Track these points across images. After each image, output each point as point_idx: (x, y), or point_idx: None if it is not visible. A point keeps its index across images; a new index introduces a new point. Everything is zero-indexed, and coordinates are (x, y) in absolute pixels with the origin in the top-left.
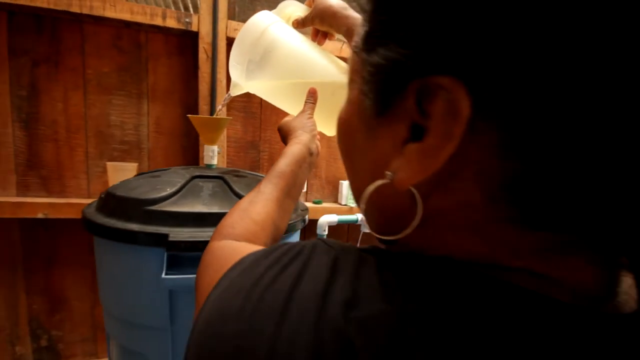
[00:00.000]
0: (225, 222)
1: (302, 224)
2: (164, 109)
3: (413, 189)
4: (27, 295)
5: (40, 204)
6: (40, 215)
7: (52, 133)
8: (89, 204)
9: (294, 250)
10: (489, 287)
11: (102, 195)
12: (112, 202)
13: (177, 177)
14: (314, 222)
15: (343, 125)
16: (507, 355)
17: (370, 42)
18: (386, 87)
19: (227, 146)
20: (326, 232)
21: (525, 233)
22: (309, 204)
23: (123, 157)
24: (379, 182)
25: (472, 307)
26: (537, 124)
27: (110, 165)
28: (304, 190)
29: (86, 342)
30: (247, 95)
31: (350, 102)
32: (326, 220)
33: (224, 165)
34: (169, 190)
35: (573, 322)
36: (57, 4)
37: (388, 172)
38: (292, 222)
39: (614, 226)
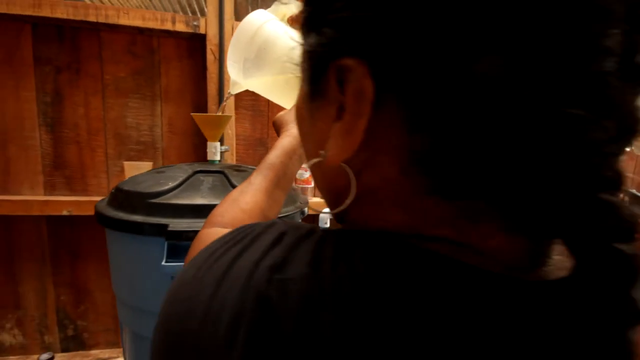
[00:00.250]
0: (216, 211)
1: (301, 215)
2: (177, 110)
3: (345, 167)
4: (55, 287)
5: (65, 201)
6: (65, 213)
7: (74, 136)
8: (102, 199)
9: (251, 228)
10: (408, 255)
11: (113, 191)
12: (120, 196)
13: (181, 172)
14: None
15: (296, 113)
16: (417, 319)
17: (302, 32)
18: (313, 72)
19: (237, 144)
20: (328, 225)
21: (440, 203)
22: (317, 200)
23: (139, 156)
24: (314, 161)
25: (388, 273)
26: (434, 101)
27: (127, 164)
28: (312, 185)
29: (108, 332)
30: (255, 94)
31: (300, 90)
32: (327, 214)
33: (233, 163)
34: (171, 185)
35: (487, 288)
36: (76, 14)
37: (321, 151)
38: (290, 213)
39: (521, 193)
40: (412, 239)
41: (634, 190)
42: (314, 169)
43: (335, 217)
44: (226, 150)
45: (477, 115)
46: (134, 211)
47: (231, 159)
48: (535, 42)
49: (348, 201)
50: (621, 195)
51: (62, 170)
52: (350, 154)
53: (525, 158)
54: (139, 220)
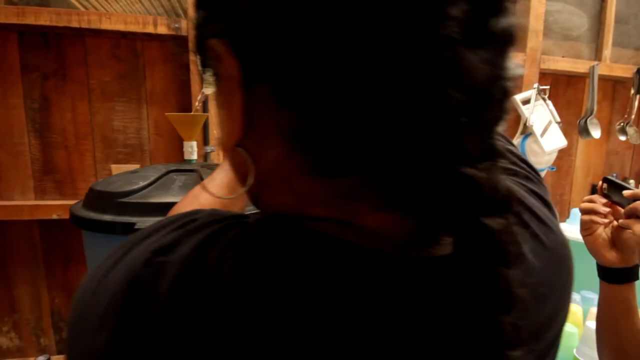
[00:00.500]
0: (176, 207)
1: None
2: (162, 112)
3: (242, 151)
4: (49, 290)
5: (54, 205)
6: (54, 216)
7: (63, 140)
8: (78, 201)
9: (174, 217)
10: (290, 237)
11: (87, 192)
12: (92, 197)
13: (154, 172)
14: None
15: None
16: (288, 299)
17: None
18: (200, 56)
19: None
20: None
21: (321, 182)
22: None
23: (127, 159)
24: (210, 148)
25: (267, 256)
26: (296, 79)
27: (114, 167)
28: None
29: None
30: None
31: None
32: None
33: (220, 163)
34: (141, 184)
35: (362, 264)
36: (59, 20)
37: (218, 136)
38: None
39: (390, 169)
40: (300, 220)
41: (612, 177)
42: (225, 156)
43: (252, 204)
44: (212, 151)
45: (334, 92)
46: (104, 211)
47: (217, 159)
48: (377, 15)
49: (246, 187)
50: (490, 168)
51: (52, 175)
52: (237, 137)
53: (383, 132)
54: (108, 219)
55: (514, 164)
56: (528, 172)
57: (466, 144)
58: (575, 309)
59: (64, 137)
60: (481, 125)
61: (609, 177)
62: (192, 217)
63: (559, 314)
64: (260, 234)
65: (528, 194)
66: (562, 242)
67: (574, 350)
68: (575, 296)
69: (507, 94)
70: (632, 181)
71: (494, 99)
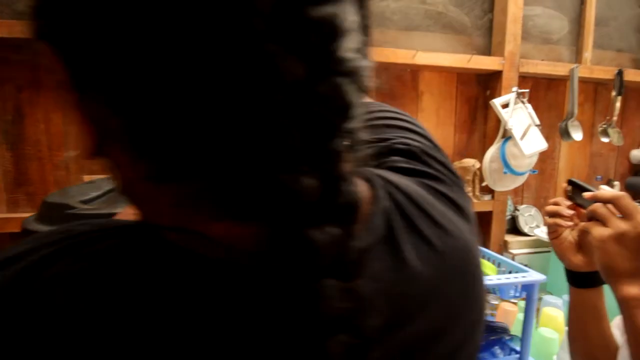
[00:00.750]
0: (117, 216)
1: None
2: None
3: (102, 160)
4: None
5: (25, 218)
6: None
7: (36, 152)
8: (32, 215)
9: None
10: (131, 249)
11: (40, 204)
12: (42, 209)
13: (110, 182)
14: None
15: None
16: (111, 306)
17: None
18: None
19: None
20: None
21: (160, 189)
22: None
23: (101, 170)
24: (70, 154)
25: (106, 270)
26: (117, 85)
27: (87, 178)
28: None
29: None
30: None
31: None
32: None
33: None
34: (93, 195)
35: (198, 274)
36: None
37: (79, 146)
38: None
39: (217, 175)
40: (154, 229)
41: (576, 180)
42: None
43: None
44: None
45: (149, 98)
46: (51, 223)
47: None
48: (183, 15)
49: (116, 194)
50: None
51: (24, 187)
52: (90, 146)
53: (198, 137)
54: None
55: (425, 164)
56: (442, 174)
57: (289, 147)
58: (556, 314)
59: (37, 149)
60: (312, 126)
61: (573, 179)
62: (71, 228)
63: (455, 324)
64: (111, 246)
65: (433, 196)
66: (462, 247)
67: (554, 357)
68: (556, 301)
69: (339, 90)
70: (616, 183)
71: (321, 96)
